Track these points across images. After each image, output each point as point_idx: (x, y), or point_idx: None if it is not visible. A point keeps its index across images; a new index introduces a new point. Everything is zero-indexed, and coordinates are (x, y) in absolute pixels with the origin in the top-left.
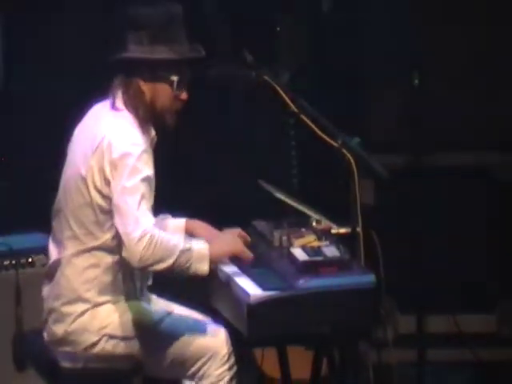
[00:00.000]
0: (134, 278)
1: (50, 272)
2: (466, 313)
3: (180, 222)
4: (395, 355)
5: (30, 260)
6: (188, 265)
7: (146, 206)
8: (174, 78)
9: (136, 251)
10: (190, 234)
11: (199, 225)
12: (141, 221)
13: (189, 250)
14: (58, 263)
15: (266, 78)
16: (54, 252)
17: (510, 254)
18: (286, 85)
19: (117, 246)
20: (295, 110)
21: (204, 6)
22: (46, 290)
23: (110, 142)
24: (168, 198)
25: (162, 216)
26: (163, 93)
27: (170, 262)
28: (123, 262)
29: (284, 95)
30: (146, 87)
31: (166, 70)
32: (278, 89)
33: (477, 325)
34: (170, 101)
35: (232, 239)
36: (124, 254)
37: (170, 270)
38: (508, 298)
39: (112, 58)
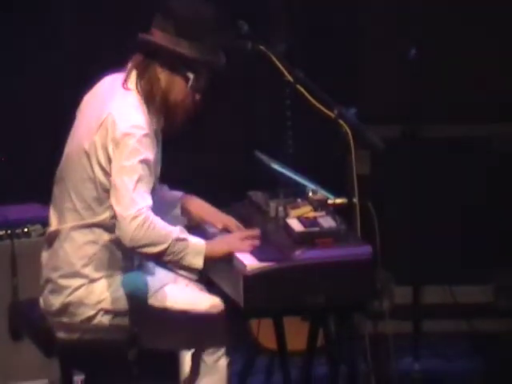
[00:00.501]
0: (132, 256)
1: (49, 240)
2: (463, 284)
3: (176, 196)
4: (391, 326)
5: (25, 230)
6: (181, 255)
7: (144, 189)
8: (191, 76)
9: (128, 230)
10: (185, 210)
11: (196, 203)
12: (136, 201)
13: (184, 240)
14: (57, 233)
15: (261, 47)
16: (54, 220)
17: (507, 224)
18: (282, 55)
19: (115, 224)
20: (291, 79)
21: None
22: (44, 256)
23: (114, 121)
24: (165, 165)
25: (159, 186)
26: (178, 86)
27: (162, 247)
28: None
29: (280, 65)
30: (162, 75)
31: (185, 66)
32: (274, 59)
33: (473, 295)
34: (183, 96)
35: (234, 240)
36: (117, 232)
37: (162, 257)
38: (504, 268)
39: (137, 36)
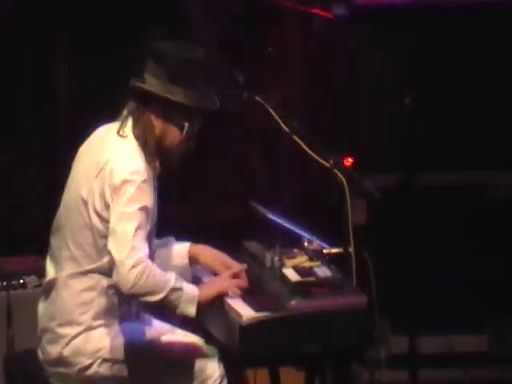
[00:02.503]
0: (129, 301)
1: (46, 290)
2: (458, 333)
3: (184, 246)
4: (388, 375)
5: (21, 281)
6: (176, 304)
7: (142, 236)
8: (186, 124)
9: (129, 278)
10: (193, 259)
11: (203, 249)
12: (136, 249)
13: (179, 289)
14: (54, 282)
15: (257, 98)
16: (50, 270)
17: (502, 273)
18: (278, 104)
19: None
20: (287, 130)
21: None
22: (41, 307)
23: (113, 168)
24: (160, 218)
25: (165, 239)
26: (173, 134)
27: (159, 296)
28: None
29: (276, 115)
30: (157, 123)
31: (180, 114)
32: (270, 109)
33: (468, 344)
34: (178, 143)
35: (221, 280)
36: (115, 278)
37: (159, 305)
38: (499, 316)
39: (130, 83)
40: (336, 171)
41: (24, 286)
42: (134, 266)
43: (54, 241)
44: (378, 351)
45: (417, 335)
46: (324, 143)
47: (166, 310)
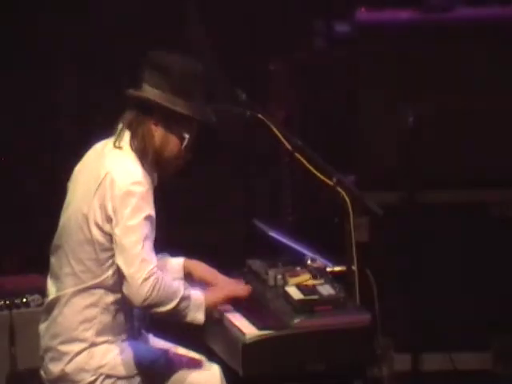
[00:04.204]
0: (132, 318)
1: (48, 309)
2: (461, 351)
3: (179, 262)
4: None
5: (24, 300)
6: (185, 312)
7: (150, 246)
8: (186, 136)
9: (141, 292)
10: (188, 273)
11: (197, 265)
12: (146, 261)
13: (188, 297)
14: (56, 301)
15: (260, 116)
16: (52, 289)
17: (505, 290)
18: (281, 122)
19: (116, 284)
20: (289, 148)
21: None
22: (42, 326)
23: (113, 179)
24: (163, 238)
25: (160, 255)
26: (172, 144)
27: (171, 306)
28: (122, 301)
29: (278, 133)
30: (157, 132)
31: (181, 125)
32: (273, 127)
33: (471, 362)
34: (177, 154)
35: (226, 284)
36: (126, 292)
37: (169, 315)
38: (503, 334)
39: (128, 93)
40: (339, 189)
41: (27, 304)
42: (146, 279)
43: (54, 259)
44: (381, 369)
45: (420, 353)
46: (326, 161)
47: (175, 318)
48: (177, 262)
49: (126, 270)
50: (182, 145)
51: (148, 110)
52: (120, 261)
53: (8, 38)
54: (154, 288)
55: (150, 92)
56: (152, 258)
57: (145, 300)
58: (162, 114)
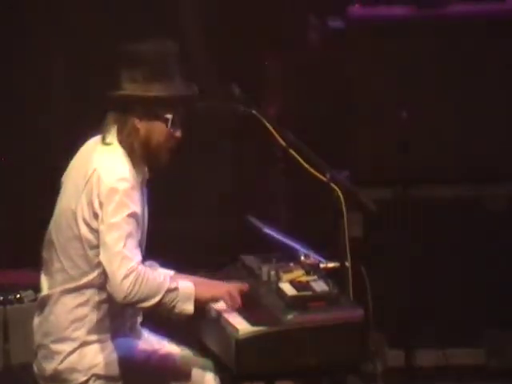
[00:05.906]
0: (123, 316)
1: (41, 305)
2: (454, 346)
3: (168, 272)
4: None
5: (18, 296)
6: (173, 304)
7: (133, 243)
8: (169, 116)
9: (122, 289)
10: None
11: (187, 277)
12: (127, 258)
13: (175, 289)
14: (47, 298)
15: (254, 112)
16: (44, 285)
17: (498, 286)
18: (274, 118)
19: (105, 283)
20: (283, 144)
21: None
22: (36, 321)
23: (100, 176)
24: (157, 233)
25: (149, 262)
26: (158, 130)
27: (155, 300)
28: (112, 299)
29: (272, 129)
30: (141, 125)
31: (161, 108)
32: (266, 123)
33: (465, 358)
34: (165, 138)
35: (221, 285)
36: (109, 289)
37: (155, 309)
38: (496, 329)
39: (107, 95)
40: (332, 185)
41: (20, 300)
42: (126, 276)
43: (46, 255)
44: (375, 364)
45: (413, 348)
46: (320, 157)
47: (162, 312)
48: (166, 273)
49: (108, 268)
50: (167, 127)
51: (127, 106)
52: (103, 258)
53: (8, 38)
54: (134, 285)
55: (125, 88)
56: (134, 255)
57: (125, 297)
58: (140, 105)
